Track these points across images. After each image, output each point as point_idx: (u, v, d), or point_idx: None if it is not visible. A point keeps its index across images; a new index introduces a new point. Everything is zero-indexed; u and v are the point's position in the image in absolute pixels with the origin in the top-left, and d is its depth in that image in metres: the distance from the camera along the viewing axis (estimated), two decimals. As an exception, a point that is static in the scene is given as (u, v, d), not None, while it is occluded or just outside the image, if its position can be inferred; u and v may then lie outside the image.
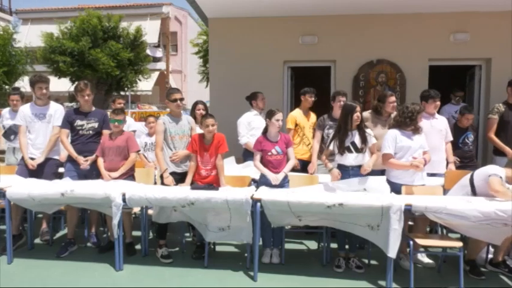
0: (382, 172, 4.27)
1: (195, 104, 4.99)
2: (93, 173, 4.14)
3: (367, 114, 4.46)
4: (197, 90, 20.36)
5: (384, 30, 6.19)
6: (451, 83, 6.46)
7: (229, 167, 4.48)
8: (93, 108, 4.36)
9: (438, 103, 4.50)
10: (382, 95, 4.56)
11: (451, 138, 4.51)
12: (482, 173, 3.56)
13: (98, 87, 14.65)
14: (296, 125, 4.86)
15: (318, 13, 6.17)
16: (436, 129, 4.36)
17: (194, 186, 3.75)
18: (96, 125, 4.25)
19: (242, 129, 5.01)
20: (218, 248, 4.25)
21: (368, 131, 3.80)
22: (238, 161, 4.97)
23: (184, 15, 24.66)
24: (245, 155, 5.03)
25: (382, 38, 6.20)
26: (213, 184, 3.79)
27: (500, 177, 3.42)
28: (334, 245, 3.90)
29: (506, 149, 4.71)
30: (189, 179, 3.89)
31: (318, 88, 6.51)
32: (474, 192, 3.57)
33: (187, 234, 4.57)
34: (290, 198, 3.36)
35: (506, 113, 4.81)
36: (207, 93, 6.90)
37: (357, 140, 3.68)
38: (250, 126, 4.98)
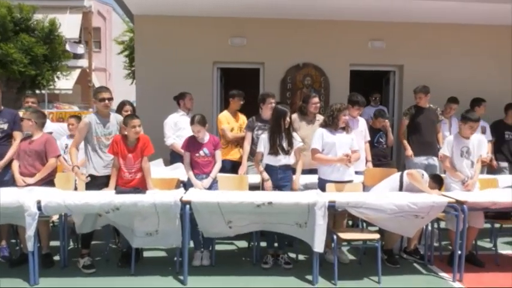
0: (310, 171, 4.47)
1: (122, 104, 4.74)
2: (4, 179, 3.75)
3: (294, 115, 4.63)
4: (123, 89, 19.45)
5: (309, 35, 6.46)
6: (370, 86, 6.96)
7: (157, 169, 4.36)
8: (2, 108, 3.95)
9: (361, 110, 4.85)
10: (306, 96, 4.83)
11: (369, 138, 4.87)
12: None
13: (8, 85, 13.27)
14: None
15: (247, 15, 6.24)
16: (357, 130, 4.65)
17: (119, 190, 3.58)
18: (5, 126, 3.87)
19: (168, 130, 4.90)
20: (146, 254, 4.10)
21: (294, 134, 3.94)
22: (166, 163, 4.85)
23: (109, 11, 23.41)
24: (172, 156, 4.92)
25: (308, 42, 6.47)
26: (139, 187, 3.65)
27: (423, 175, 3.79)
28: (264, 244, 3.97)
29: (408, 148, 5.19)
30: (112, 183, 3.69)
31: (249, 89, 6.62)
32: (401, 186, 3.88)
33: (112, 241, 4.34)
34: (220, 199, 3.36)
35: (417, 115, 5.30)
36: (133, 93, 6.63)
37: (284, 142, 3.80)
38: (177, 126, 4.89)
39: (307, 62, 6.49)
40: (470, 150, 4.03)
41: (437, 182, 3.96)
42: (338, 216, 3.88)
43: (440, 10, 5.95)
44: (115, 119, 3.90)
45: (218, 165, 3.97)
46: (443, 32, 6.66)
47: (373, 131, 5.14)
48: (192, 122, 3.90)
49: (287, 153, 3.79)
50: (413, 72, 6.54)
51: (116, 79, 23.27)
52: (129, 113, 4.54)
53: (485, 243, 4.46)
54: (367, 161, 4.77)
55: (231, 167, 4.75)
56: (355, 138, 4.13)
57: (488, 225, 4.15)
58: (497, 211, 3.82)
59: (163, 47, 6.27)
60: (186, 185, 3.97)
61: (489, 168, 5.69)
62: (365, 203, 3.39)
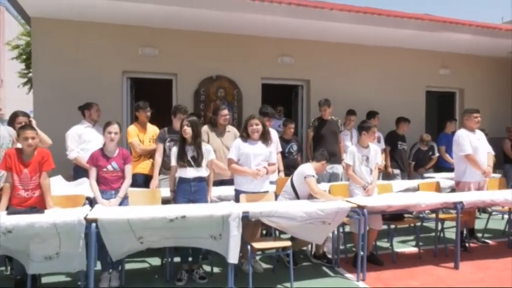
0: (221, 183, 4.49)
1: (15, 115, 4.19)
2: None
3: (205, 127, 4.64)
4: (18, 97, 17.51)
5: (223, 48, 6.55)
6: (281, 99, 7.29)
7: (58, 186, 3.99)
8: None
9: (272, 121, 5.04)
10: (216, 107, 4.88)
11: (281, 149, 5.08)
12: (298, 175, 4.09)
13: None
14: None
15: (158, 25, 6.11)
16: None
17: (12, 210, 3.18)
18: None
19: (71, 143, 4.55)
20: (45, 280, 3.69)
21: (207, 146, 3.91)
22: (69, 179, 4.46)
23: (2, 11, 21.07)
24: (76, 171, 4.56)
25: (221, 55, 6.55)
26: (37, 207, 3.29)
27: (313, 176, 3.99)
28: (178, 259, 3.86)
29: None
30: (3, 203, 3.27)
31: (163, 99, 6.45)
32: (297, 194, 4.07)
33: (3, 268, 3.83)
34: (130, 216, 3.18)
35: (320, 127, 5.68)
36: (30, 101, 6.01)
37: (195, 154, 3.75)
38: (81, 139, 4.56)
39: (221, 75, 6.56)
40: (369, 159, 4.43)
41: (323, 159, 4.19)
42: (253, 227, 3.95)
43: (342, 31, 6.51)
44: (6, 131, 3.49)
45: (127, 181, 3.74)
46: (346, 50, 7.29)
47: (285, 141, 5.37)
48: (108, 124, 3.66)
49: (198, 165, 3.73)
50: (319, 86, 7.02)
51: (9, 87, 20.88)
52: (22, 124, 4.09)
53: (383, 243, 4.90)
54: (279, 171, 4.96)
55: (144, 180, 4.56)
56: (274, 151, 4.25)
57: (385, 227, 4.56)
58: (392, 213, 4.23)
59: (67, 53, 5.81)
60: (93, 201, 3.69)
61: (384, 175, 6.31)
62: (277, 212, 3.50)
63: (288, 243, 3.70)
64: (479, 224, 5.45)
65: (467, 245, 4.82)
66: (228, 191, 4.17)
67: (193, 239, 3.40)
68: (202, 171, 3.77)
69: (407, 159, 6.65)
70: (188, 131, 3.70)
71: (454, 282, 3.78)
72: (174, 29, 6.25)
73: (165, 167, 4.30)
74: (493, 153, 5.08)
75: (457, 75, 8.15)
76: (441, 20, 6.64)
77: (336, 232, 4.23)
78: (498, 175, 6.08)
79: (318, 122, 5.72)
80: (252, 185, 3.91)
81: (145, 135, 4.77)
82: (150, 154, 4.64)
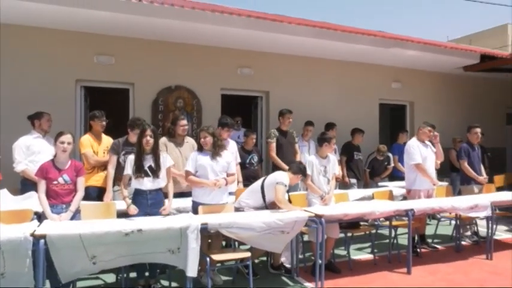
0: (181, 194, 4.42)
1: None
2: None
3: (163, 139, 4.59)
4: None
5: (182, 58, 6.50)
6: (240, 110, 7.32)
7: (5, 200, 3.74)
8: None
9: (231, 132, 5.03)
10: (174, 118, 4.81)
11: (240, 160, 5.08)
12: (271, 179, 4.12)
13: None
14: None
15: (115, 33, 5.97)
16: (228, 152, 4.79)
17: None
18: None
19: (18, 155, 4.29)
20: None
21: (164, 154, 3.82)
22: (16, 193, 4.19)
23: None
24: (24, 184, 4.30)
25: (180, 65, 6.50)
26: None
27: (285, 185, 4.01)
28: (134, 275, 3.73)
29: (283, 166, 5.61)
30: None
31: (119, 109, 6.26)
32: (264, 196, 4.07)
33: None
34: (82, 230, 3.03)
35: (280, 138, 5.76)
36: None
37: (153, 163, 3.66)
38: (30, 150, 4.31)
39: (180, 85, 6.50)
40: (327, 169, 4.54)
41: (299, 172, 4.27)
42: (213, 238, 3.90)
43: (301, 44, 6.68)
44: None
45: (79, 194, 3.56)
46: (305, 63, 7.49)
47: (246, 152, 5.38)
48: (60, 134, 3.49)
49: (155, 176, 3.64)
50: (279, 98, 7.14)
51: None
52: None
53: (341, 251, 5.01)
54: (238, 182, 4.95)
55: (97, 193, 4.39)
56: (233, 161, 4.24)
57: (342, 235, 4.67)
58: (348, 222, 4.34)
59: (18, 60, 5.51)
60: (41, 216, 3.48)
61: (341, 184, 6.48)
62: (236, 223, 3.49)
63: (247, 254, 3.69)
64: (429, 230, 5.72)
65: (418, 250, 5.03)
66: (186, 203, 4.10)
67: (150, 255, 3.27)
68: (160, 183, 3.68)
69: (364, 167, 6.89)
70: (151, 142, 3.62)
71: (406, 286, 3.93)
72: (131, 37, 6.13)
73: (120, 179, 4.16)
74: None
75: (408, 89, 8.61)
76: (392, 37, 7.00)
77: (294, 242, 4.27)
78: (445, 183, 6.42)
79: (278, 133, 5.80)
80: (210, 196, 3.87)
81: (99, 146, 4.60)
82: (105, 166, 4.47)
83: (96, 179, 4.46)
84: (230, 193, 4.27)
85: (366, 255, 5.00)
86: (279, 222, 3.63)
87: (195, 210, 3.82)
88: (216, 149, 3.95)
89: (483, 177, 5.73)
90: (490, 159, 7.49)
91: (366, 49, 7.01)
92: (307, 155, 5.84)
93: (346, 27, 6.53)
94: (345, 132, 6.85)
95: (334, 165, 4.65)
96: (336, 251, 4.81)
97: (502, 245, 5.41)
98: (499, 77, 9.27)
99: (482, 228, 5.61)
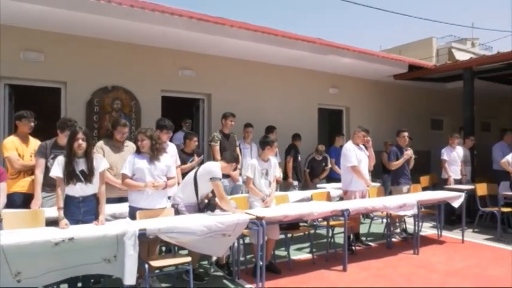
0: (119, 200, 4.23)
1: None
2: None
3: (100, 143, 4.39)
4: None
5: (119, 57, 6.25)
6: (183, 112, 7.20)
7: None
8: None
9: (170, 134, 4.91)
10: (115, 121, 4.57)
11: (179, 163, 4.98)
12: (203, 170, 4.05)
13: None
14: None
15: (45, 28, 5.58)
16: (167, 155, 4.68)
17: None
18: None
19: None
20: None
21: (97, 157, 3.60)
22: None
23: None
24: None
25: (118, 64, 6.24)
26: None
27: (220, 179, 3.99)
28: (66, 286, 3.49)
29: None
30: None
31: (51, 110, 5.84)
32: (196, 187, 4.01)
33: None
34: (4, 241, 2.76)
35: (223, 141, 5.75)
36: None
37: (85, 168, 3.44)
38: None
39: (117, 85, 6.24)
40: (268, 172, 4.61)
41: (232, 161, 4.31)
42: (150, 244, 3.77)
43: (243, 48, 6.73)
44: None
45: (1, 201, 3.25)
46: (247, 67, 7.56)
47: (186, 155, 5.29)
48: None
49: (88, 181, 3.42)
50: (221, 101, 7.13)
51: None
52: None
53: (281, 252, 5.10)
54: (178, 185, 4.85)
55: (23, 200, 4.04)
56: (173, 165, 4.14)
57: (282, 236, 4.76)
58: (288, 223, 4.44)
59: None
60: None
61: (283, 186, 6.63)
62: (176, 227, 3.41)
63: (188, 259, 3.62)
64: (363, 229, 6.04)
65: (353, 248, 5.29)
66: (123, 208, 3.93)
67: (83, 267, 3.04)
68: (93, 188, 3.46)
69: (303, 167, 7.12)
70: (83, 146, 3.39)
71: (342, 283, 4.10)
72: (64, 34, 5.77)
73: (49, 185, 3.88)
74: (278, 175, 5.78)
75: (344, 95, 9.04)
76: (330, 44, 7.32)
77: (235, 244, 4.27)
78: (378, 184, 6.83)
79: (221, 136, 5.78)
80: (147, 201, 3.73)
81: (26, 149, 4.24)
82: (32, 170, 4.13)
83: (22, 185, 4.11)
84: (169, 197, 4.16)
85: (305, 255, 5.14)
86: (220, 225, 3.61)
87: (132, 216, 3.67)
88: (154, 152, 3.83)
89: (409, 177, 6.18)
90: (417, 162, 8.10)
91: (305, 55, 7.24)
92: (248, 158, 5.89)
93: (286, 33, 6.70)
94: (285, 135, 7.02)
95: (275, 167, 4.74)
96: (277, 252, 4.89)
97: (427, 241, 5.86)
98: (424, 85, 10.07)
99: (410, 225, 6.04)
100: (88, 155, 3.42)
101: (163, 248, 4.62)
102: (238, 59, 7.40)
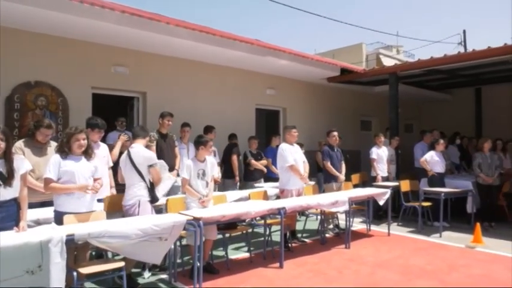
0: (42, 204, 3.93)
1: None
2: None
3: (19, 143, 4.07)
4: None
5: (44, 51, 5.80)
6: (117, 110, 6.87)
7: None
8: None
9: (102, 134, 4.66)
10: (38, 122, 4.23)
11: (112, 164, 4.74)
12: (142, 159, 4.09)
13: None
14: None
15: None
16: (99, 156, 4.44)
17: None
18: None
19: None
20: None
21: (18, 158, 3.29)
22: None
23: None
24: None
25: (42, 59, 5.79)
26: None
27: (157, 163, 4.14)
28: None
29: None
30: None
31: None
32: (140, 173, 4.08)
33: None
34: None
35: (160, 141, 5.59)
36: None
37: (4, 170, 3.13)
38: None
39: (42, 81, 5.78)
40: (205, 172, 4.56)
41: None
42: (79, 250, 3.55)
43: (180, 46, 6.59)
44: None
45: None
46: (184, 65, 7.43)
47: (121, 155, 5.05)
48: None
49: (7, 184, 3.10)
50: (156, 99, 6.92)
51: None
52: None
53: (219, 252, 5.09)
54: (111, 187, 4.63)
55: None
56: (100, 164, 3.93)
57: (220, 236, 4.75)
58: (226, 222, 4.44)
59: None
60: None
61: (220, 186, 6.61)
62: (107, 231, 3.24)
63: (121, 264, 3.46)
64: (299, 226, 6.23)
65: (290, 245, 5.43)
66: (47, 213, 3.65)
67: (3, 283, 2.72)
68: (13, 192, 3.16)
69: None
70: (2, 146, 3.07)
71: (279, 280, 4.20)
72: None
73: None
74: (307, 163, 5.94)
75: (281, 96, 9.26)
76: (267, 46, 7.44)
77: (172, 246, 4.17)
78: (312, 182, 7.08)
79: (159, 136, 5.60)
80: (76, 204, 3.48)
81: None
82: None
83: None
84: (99, 200, 3.94)
85: (243, 254, 5.18)
86: (156, 228, 3.50)
87: (58, 221, 3.41)
88: (87, 152, 3.62)
89: (342, 175, 6.50)
90: (348, 161, 8.54)
91: (243, 56, 7.29)
92: (185, 159, 5.79)
93: (224, 33, 6.70)
94: (223, 135, 7.01)
95: (212, 167, 4.70)
96: (214, 252, 4.87)
97: (357, 235, 6.21)
98: (355, 88, 10.66)
99: (342, 221, 6.35)
100: (7, 156, 3.11)
101: (93, 253, 4.37)
102: (176, 57, 7.25)
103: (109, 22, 5.43)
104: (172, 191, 5.55)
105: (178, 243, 4.39)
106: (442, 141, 7.28)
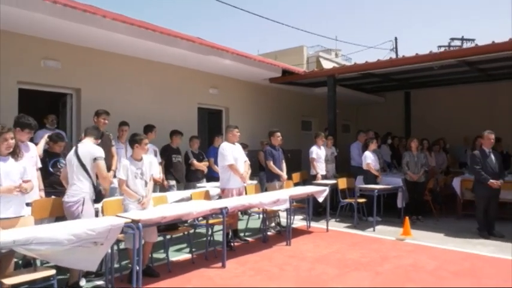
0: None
1: None
2: None
3: None
4: None
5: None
6: (48, 108, 6.41)
7: None
8: None
9: (32, 134, 4.34)
10: None
11: (40, 165, 4.43)
12: (87, 153, 4.00)
13: None
14: None
15: None
16: (27, 156, 4.12)
17: None
18: None
19: None
20: None
21: None
22: None
23: None
24: None
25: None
26: None
27: (103, 157, 4.08)
28: None
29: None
30: None
31: None
32: (88, 172, 3.96)
33: None
34: None
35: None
36: None
37: None
38: None
39: (-42, 74, 5.23)
40: (143, 171, 4.41)
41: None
42: (3, 259, 3.26)
43: (117, 41, 6.30)
44: None
45: None
46: (122, 61, 7.12)
47: (50, 155, 4.72)
48: None
49: None
50: (92, 96, 6.56)
51: None
52: None
53: (160, 254, 4.96)
54: (40, 190, 4.31)
55: None
56: (27, 164, 3.65)
57: (161, 238, 4.63)
58: (167, 224, 4.33)
59: None
60: None
61: (161, 187, 6.43)
62: (36, 237, 3.01)
63: (51, 272, 3.23)
64: (241, 225, 6.26)
65: (232, 244, 5.44)
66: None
67: None
68: None
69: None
70: None
71: (221, 280, 4.18)
72: None
73: None
74: (248, 162, 6.00)
75: (224, 95, 9.24)
76: (210, 45, 7.38)
77: (109, 250, 3.99)
78: (254, 181, 7.16)
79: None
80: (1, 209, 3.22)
81: None
82: None
83: None
84: (27, 204, 3.66)
85: (184, 255, 5.09)
86: (91, 232, 3.31)
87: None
88: (15, 153, 3.36)
89: (285, 174, 6.63)
90: (289, 160, 8.75)
91: (185, 54, 7.16)
92: (123, 159, 5.56)
93: (165, 30, 6.52)
94: (165, 134, 6.84)
95: (151, 166, 4.56)
96: (155, 255, 4.74)
97: (298, 232, 6.38)
98: (296, 89, 10.94)
99: (283, 219, 6.49)
100: None
101: (20, 262, 4.04)
102: (114, 52, 6.93)
103: (39, 12, 5.04)
104: (109, 192, 5.31)
105: (115, 247, 4.21)
106: (374, 141, 7.72)
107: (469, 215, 6.91)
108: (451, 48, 19.05)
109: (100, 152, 4.06)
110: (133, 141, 4.43)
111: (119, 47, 6.72)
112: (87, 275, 4.12)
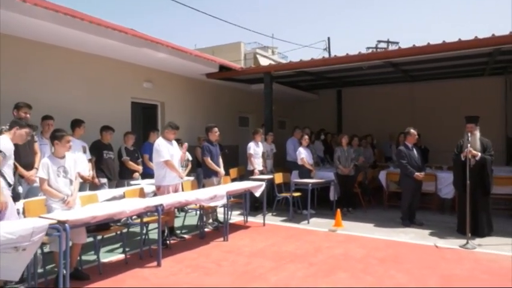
0: None
1: None
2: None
3: None
4: None
5: None
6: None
7: None
8: None
9: None
10: None
11: None
12: None
13: None
14: None
15: None
16: None
17: None
18: None
19: None
20: None
21: None
22: None
23: None
24: None
25: None
26: None
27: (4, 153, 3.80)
28: None
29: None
30: None
31: None
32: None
33: None
34: None
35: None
36: None
37: None
38: None
39: None
40: (66, 169, 4.14)
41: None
42: None
43: (40, 28, 5.81)
44: None
45: None
46: (45, 51, 6.59)
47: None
48: None
49: None
50: (9, 88, 5.95)
51: None
52: None
53: (90, 256, 4.70)
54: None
55: None
56: None
57: (91, 239, 4.38)
58: (98, 224, 4.11)
59: None
60: None
61: (91, 185, 6.09)
62: None
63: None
64: (178, 222, 6.15)
65: (168, 242, 5.32)
66: None
67: None
68: None
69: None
70: None
71: (156, 279, 4.07)
72: None
73: None
74: (190, 158, 5.91)
75: (159, 90, 8.96)
76: (143, 37, 7.10)
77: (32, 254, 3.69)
78: (192, 178, 7.06)
79: (10, 130, 4.85)
80: None
81: None
82: None
83: None
84: None
85: (117, 256, 4.88)
86: (10, 235, 3.03)
87: None
88: None
89: (222, 170, 6.62)
90: (227, 155, 8.76)
91: (117, 45, 6.83)
92: (47, 155, 5.17)
93: (95, 19, 6.15)
94: (96, 130, 6.47)
95: (75, 164, 4.30)
96: (85, 257, 4.49)
97: (235, 227, 6.42)
98: (234, 85, 10.96)
99: (221, 214, 6.48)
100: None
101: None
102: (38, 41, 6.39)
103: None
104: (31, 193, 4.91)
105: (39, 251, 3.91)
106: (306, 137, 7.99)
107: (394, 206, 7.45)
108: (378, 50, 20.36)
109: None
110: (54, 137, 4.15)
111: (43, 36, 6.22)
112: (7, 282, 3.78)
